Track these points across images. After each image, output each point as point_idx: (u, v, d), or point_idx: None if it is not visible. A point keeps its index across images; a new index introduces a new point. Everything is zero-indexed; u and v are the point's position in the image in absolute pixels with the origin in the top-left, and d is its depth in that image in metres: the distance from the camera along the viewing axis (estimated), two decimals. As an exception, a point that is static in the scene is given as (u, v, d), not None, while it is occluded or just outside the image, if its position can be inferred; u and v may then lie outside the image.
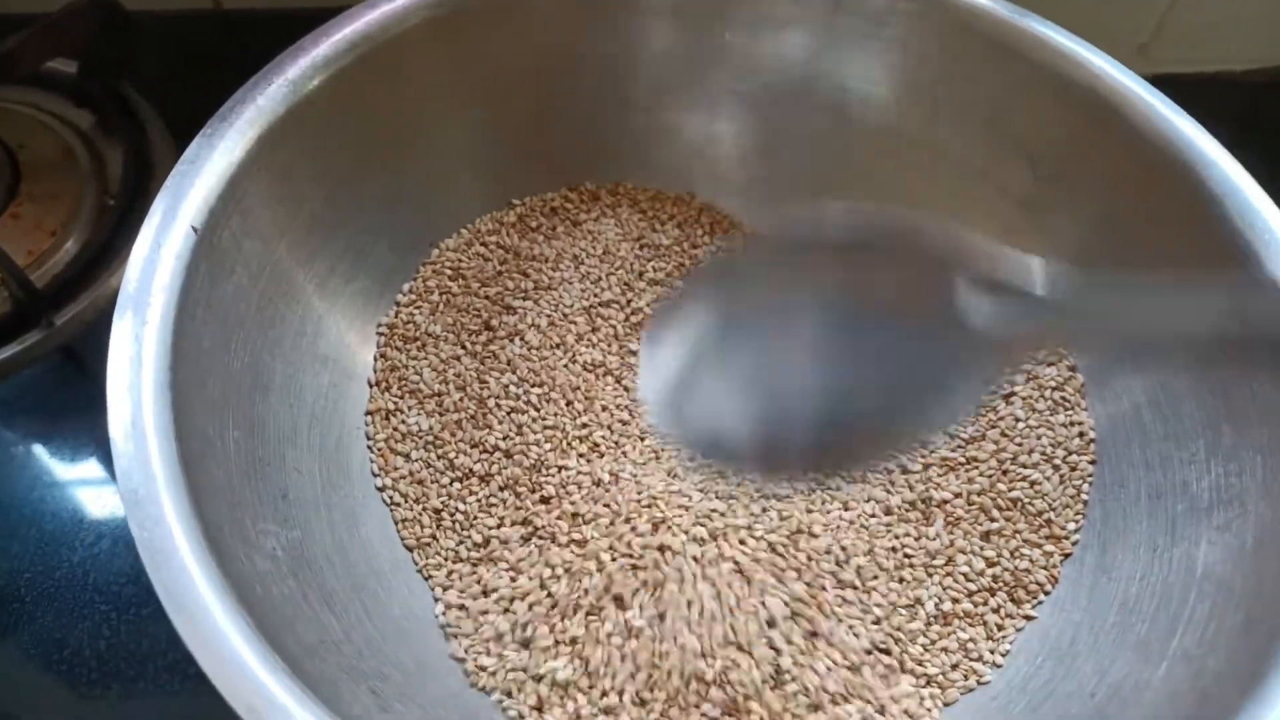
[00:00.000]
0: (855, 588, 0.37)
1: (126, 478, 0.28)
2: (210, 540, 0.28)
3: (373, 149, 0.40)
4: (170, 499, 0.27)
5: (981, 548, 0.38)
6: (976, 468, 0.40)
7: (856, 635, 0.36)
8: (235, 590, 0.27)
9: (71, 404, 0.47)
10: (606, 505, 0.38)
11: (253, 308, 0.35)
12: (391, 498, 0.39)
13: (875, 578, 0.38)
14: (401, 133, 0.41)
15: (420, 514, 0.39)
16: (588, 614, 0.35)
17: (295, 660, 0.27)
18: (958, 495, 0.39)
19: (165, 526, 0.27)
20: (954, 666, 0.37)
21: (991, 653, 0.37)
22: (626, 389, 0.42)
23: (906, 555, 0.38)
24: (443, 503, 0.39)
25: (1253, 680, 0.28)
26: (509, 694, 0.35)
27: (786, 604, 0.35)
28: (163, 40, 0.60)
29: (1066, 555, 0.38)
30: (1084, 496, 0.39)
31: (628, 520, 0.37)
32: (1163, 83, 0.65)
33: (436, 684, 0.34)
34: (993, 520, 0.39)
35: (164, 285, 0.31)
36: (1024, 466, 0.40)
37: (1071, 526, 0.39)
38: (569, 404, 0.41)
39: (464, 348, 0.42)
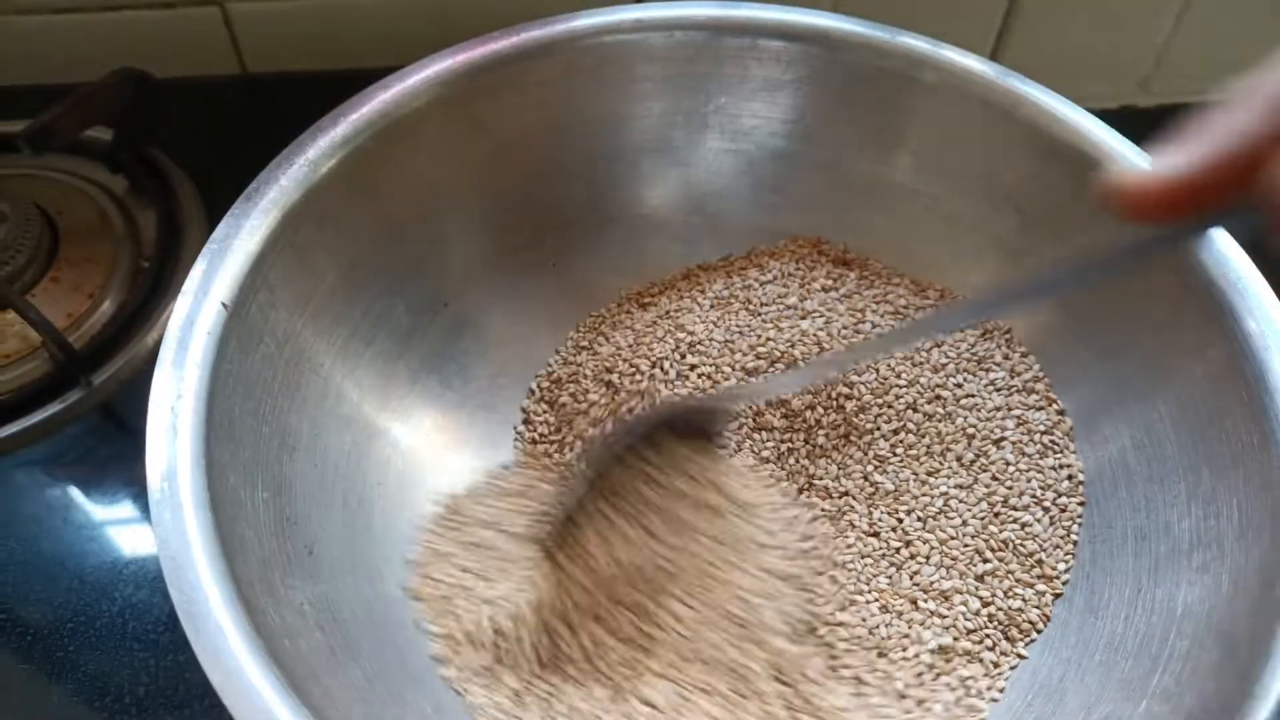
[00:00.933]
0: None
1: (165, 545, 0.30)
2: (242, 599, 0.30)
3: (387, 221, 0.43)
4: (206, 563, 0.30)
5: (976, 588, 0.40)
6: (970, 510, 0.41)
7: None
8: (266, 645, 0.29)
9: (111, 460, 0.49)
10: None
11: (279, 374, 0.38)
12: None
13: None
14: (413, 203, 0.43)
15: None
16: None
17: (321, 710, 0.29)
18: (952, 538, 0.41)
19: (200, 591, 0.29)
20: (956, 702, 0.38)
21: (989, 689, 0.38)
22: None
23: (902, 595, 0.40)
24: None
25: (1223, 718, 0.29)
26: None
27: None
28: (192, 105, 0.62)
29: (1057, 595, 0.40)
30: (1074, 537, 0.40)
31: None
32: (1166, 114, 0.67)
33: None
34: (986, 561, 0.40)
35: (197, 360, 0.34)
36: (1014, 509, 0.41)
37: (1062, 567, 0.40)
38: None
39: None
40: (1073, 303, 0.43)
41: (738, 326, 0.45)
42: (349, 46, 0.62)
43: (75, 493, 0.49)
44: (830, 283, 0.47)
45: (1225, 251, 0.38)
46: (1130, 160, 0.41)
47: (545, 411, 0.46)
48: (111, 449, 0.50)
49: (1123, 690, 0.34)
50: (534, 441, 0.45)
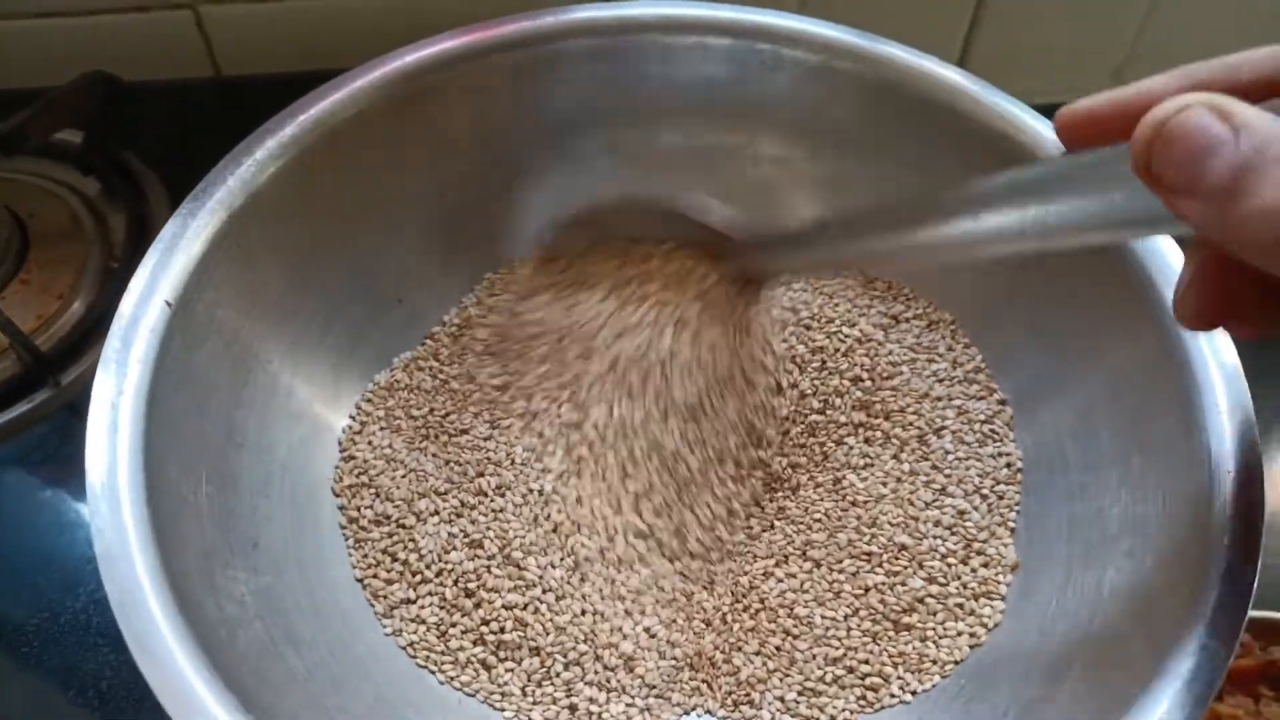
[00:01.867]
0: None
1: (101, 536, 0.31)
2: (178, 590, 0.31)
3: (337, 221, 0.43)
4: (140, 555, 0.31)
5: (916, 572, 0.41)
6: (911, 500, 0.42)
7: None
8: (200, 636, 0.30)
9: (77, 458, 0.49)
10: None
11: (225, 372, 0.39)
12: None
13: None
14: (363, 202, 0.44)
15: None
16: None
17: (256, 698, 0.30)
18: (895, 523, 0.41)
19: (135, 580, 0.30)
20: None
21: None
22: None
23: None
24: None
25: (1141, 695, 0.30)
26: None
27: None
28: (165, 108, 0.63)
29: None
30: (1010, 524, 0.41)
31: None
32: (1138, 106, 0.67)
33: (394, 717, 0.37)
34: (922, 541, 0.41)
35: (139, 357, 0.35)
36: (952, 497, 0.42)
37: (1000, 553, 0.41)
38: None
39: None
40: (1015, 289, 0.44)
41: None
42: (323, 48, 0.63)
43: (41, 491, 0.49)
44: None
45: (1155, 241, 0.38)
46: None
47: None
48: (78, 447, 0.49)
49: (1049, 673, 0.35)
50: None
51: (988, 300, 0.46)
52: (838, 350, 0.45)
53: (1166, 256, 0.38)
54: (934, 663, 0.38)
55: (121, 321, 0.35)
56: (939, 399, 0.44)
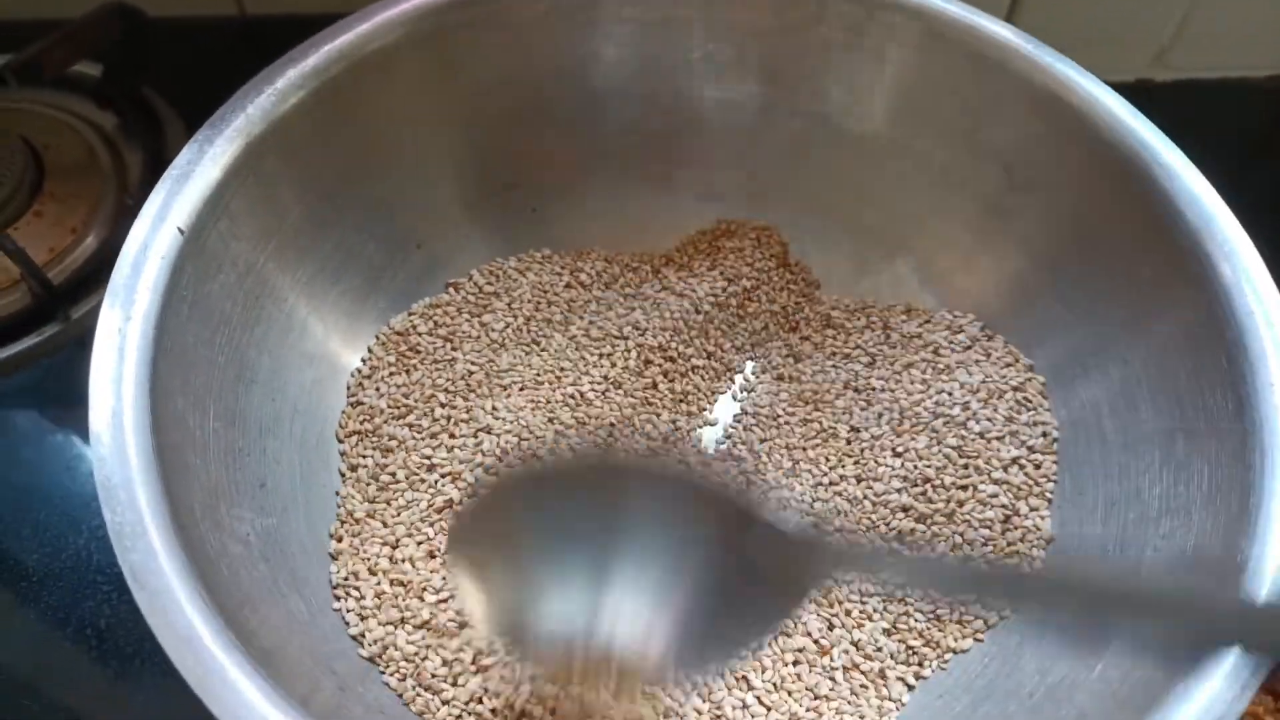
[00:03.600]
0: None
1: (102, 464, 0.30)
2: (178, 522, 0.29)
3: (358, 157, 0.42)
4: (142, 485, 0.29)
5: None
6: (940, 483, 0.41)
7: None
8: (199, 570, 0.29)
9: (85, 394, 0.49)
10: None
11: (239, 306, 0.37)
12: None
13: None
14: (386, 140, 0.43)
15: None
16: None
17: (253, 636, 0.29)
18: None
19: (136, 510, 0.29)
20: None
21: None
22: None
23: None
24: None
25: (1169, 685, 0.28)
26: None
27: None
28: (187, 44, 0.62)
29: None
30: (1048, 495, 0.40)
31: None
32: (1183, 89, 0.65)
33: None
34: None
35: (149, 284, 0.33)
36: (989, 466, 0.40)
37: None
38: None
39: None
40: (1053, 257, 0.42)
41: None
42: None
43: (49, 424, 0.49)
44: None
45: (1200, 196, 0.36)
46: (1125, 122, 0.39)
47: None
48: (85, 383, 0.49)
49: (1077, 653, 0.33)
50: None
51: (1025, 269, 0.44)
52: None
53: (1214, 214, 0.36)
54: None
55: (132, 247, 0.34)
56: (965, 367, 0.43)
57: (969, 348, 0.44)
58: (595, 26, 0.45)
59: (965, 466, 0.40)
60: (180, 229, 0.35)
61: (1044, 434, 0.41)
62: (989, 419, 0.41)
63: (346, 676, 0.33)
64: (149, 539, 0.29)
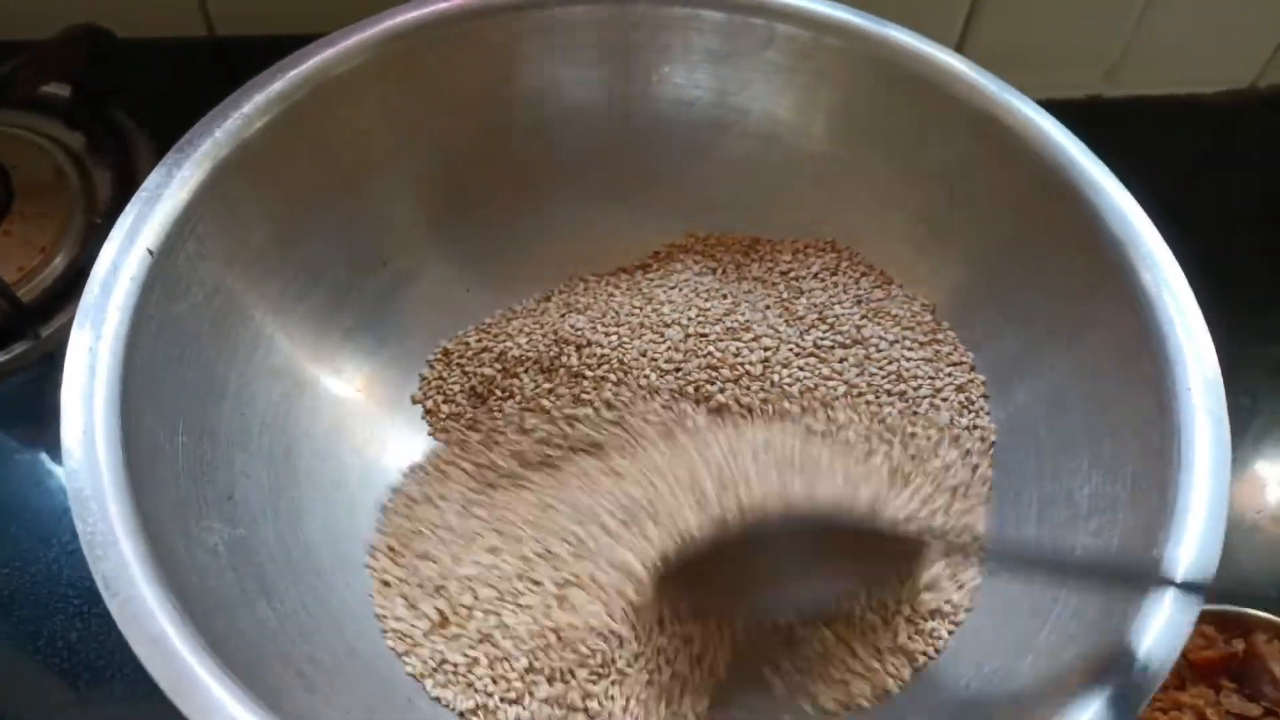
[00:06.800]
0: None
1: (74, 477, 0.31)
2: (150, 534, 0.31)
3: (325, 178, 0.43)
4: (113, 497, 0.31)
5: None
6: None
7: None
8: (169, 578, 0.30)
9: (54, 410, 0.50)
10: None
11: (207, 324, 0.38)
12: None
13: None
14: (353, 161, 0.44)
15: None
16: None
17: (222, 641, 0.30)
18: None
19: (108, 521, 0.30)
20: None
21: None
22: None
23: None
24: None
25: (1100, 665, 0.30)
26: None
27: None
28: (157, 66, 0.62)
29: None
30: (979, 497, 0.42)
31: None
32: (1132, 105, 0.67)
33: (366, 671, 0.37)
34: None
35: (119, 304, 0.35)
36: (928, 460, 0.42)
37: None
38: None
39: None
40: (991, 269, 0.44)
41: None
42: (320, 10, 0.62)
43: (17, 441, 0.49)
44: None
45: (1130, 218, 0.38)
46: (1057, 141, 0.41)
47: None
48: (55, 399, 0.50)
49: (1012, 647, 0.35)
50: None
51: (963, 281, 0.46)
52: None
53: (1138, 228, 0.38)
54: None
55: (102, 268, 0.35)
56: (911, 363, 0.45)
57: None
58: (557, 51, 0.46)
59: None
60: (150, 250, 0.36)
61: (981, 438, 0.43)
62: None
63: (315, 679, 0.34)
64: (120, 548, 0.30)
